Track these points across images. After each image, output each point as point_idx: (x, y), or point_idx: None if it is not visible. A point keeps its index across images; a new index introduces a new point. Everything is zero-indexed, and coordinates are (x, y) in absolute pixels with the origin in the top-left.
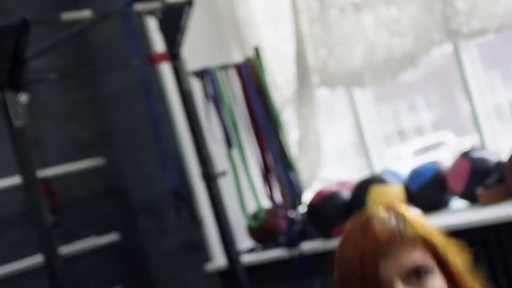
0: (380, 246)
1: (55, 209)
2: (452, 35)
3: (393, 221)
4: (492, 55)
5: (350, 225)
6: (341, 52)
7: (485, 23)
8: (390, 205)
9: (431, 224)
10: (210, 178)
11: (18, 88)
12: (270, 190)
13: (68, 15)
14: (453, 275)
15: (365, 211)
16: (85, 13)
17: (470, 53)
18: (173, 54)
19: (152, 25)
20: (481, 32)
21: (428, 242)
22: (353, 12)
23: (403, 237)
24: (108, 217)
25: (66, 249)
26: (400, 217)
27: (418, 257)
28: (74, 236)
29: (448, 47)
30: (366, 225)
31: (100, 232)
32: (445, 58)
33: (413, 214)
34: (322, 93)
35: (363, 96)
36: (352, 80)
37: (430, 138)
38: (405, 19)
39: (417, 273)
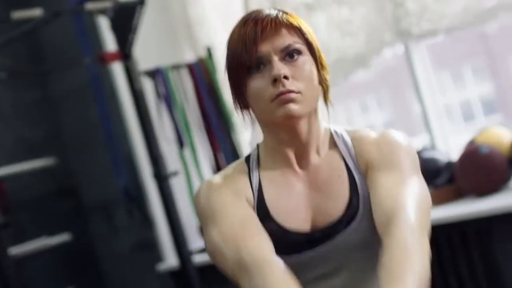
0: (258, 29)
1: (4, 209)
2: (403, 35)
3: (272, 12)
4: (442, 56)
5: (237, 21)
6: None
7: (435, 24)
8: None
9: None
10: (162, 178)
11: None
12: None
13: (19, 14)
14: (322, 65)
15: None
16: (36, 12)
17: (420, 54)
18: (125, 54)
19: (104, 25)
20: (431, 33)
21: (301, 30)
22: (305, 13)
23: (278, 22)
24: (59, 217)
25: (16, 250)
26: (280, 11)
27: (291, 39)
28: (25, 237)
29: (399, 48)
30: (248, 17)
31: (51, 232)
32: (396, 59)
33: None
34: None
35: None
36: None
37: None
38: (356, 19)
39: (291, 54)
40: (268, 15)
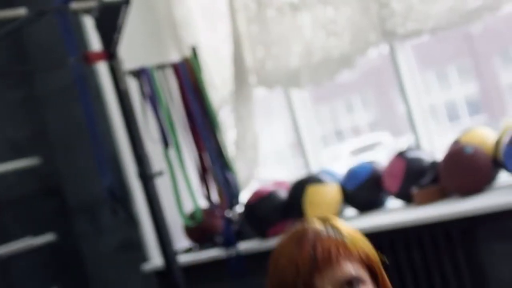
0: (315, 258)
1: None
2: (388, 36)
3: (329, 233)
4: (427, 56)
5: (285, 236)
6: (278, 52)
7: (420, 25)
8: (325, 217)
9: (365, 239)
10: (146, 177)
11: None
12: (207, 190)
13: (3, 13)
14: (383, 284)
15: (301, 223)
16: (20, 11)
17: (405, 54)
18: (110, 53)
19: (89, 24)
20: (416, 33)
21: (362, 254)
22: (290, 13)
23: (338, 250)
24: (44, 217)
25: (1, 250)
26: (335, 228)
27: (353, 268)
28: (9, 237)
29: (384, 48)
30: (302, 236)
31: (36, 232)
32: (381, 59)
33: (348, 227)
34: (259, 93)
35: (301, 96)
36: (289, 80)
37: (367, 138)
38: (341, 19)
39: (350, 285)
40: (327, 237)
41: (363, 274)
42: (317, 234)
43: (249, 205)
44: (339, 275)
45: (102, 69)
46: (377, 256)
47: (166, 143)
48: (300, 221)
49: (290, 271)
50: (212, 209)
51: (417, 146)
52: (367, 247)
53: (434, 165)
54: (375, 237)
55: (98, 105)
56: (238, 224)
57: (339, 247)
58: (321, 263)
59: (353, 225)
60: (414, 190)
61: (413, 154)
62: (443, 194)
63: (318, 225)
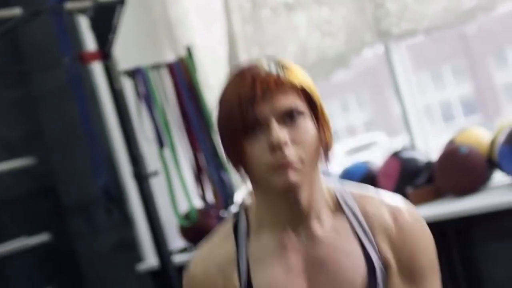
0: (257, 89)
1: None
2: (383, 36)
3: (271, 68)
4: (422, 56)
5: (231, 73)
6: (273, 52)
7: (415, 25)
8: (269, 55)
9: (307, 75)
10: (141, 177)
11: None
12: (202, 190)
13: None
14: (323, 120)
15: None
16: (15, 11)
17: (400, 54)
18: (105, 53)
19: (84, 24)
20: (411, 33)
21: (303, 89)
22: (285, 12)
23: (279, 82)
24: (39, 217)
25: None
26: (277, 63)
27: (292, 101)
28: (4, 237)
29: (379, 48)
30: (246, 71)
31: (31, 232)
32: (377, 59)
33: (290, 62)
34: None
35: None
36: None
37: (362, 138)
38: (337, 19)
39: (291, 115)
40: (267, 72)
41: (302, 106)
42: (259, 67)
43: None
44: (279, 106)
45: (97, 69)
46: (316, 91)
47: (161, 143)
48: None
49: (233, 103)
50: (207, 209)
51: (412, 146)
52: (307, 81)
53: (429, 165)
54: None
55: (93, 105)
56: None
57: (279, 80)
58: (262, 93)
59: None
60: (409, 190)
61: (408, 154)
62: (438, 194)
63: (261, 61)
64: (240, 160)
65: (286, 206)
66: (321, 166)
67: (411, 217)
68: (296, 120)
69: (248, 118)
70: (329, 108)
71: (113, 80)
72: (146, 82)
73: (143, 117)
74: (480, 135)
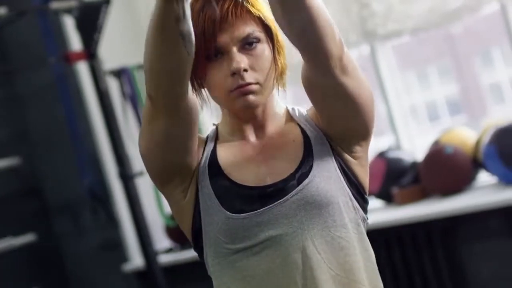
0: (215, 17)
1: None
2: (369, 36)
3: None
4: (407, 56)
5: (192, 1)
6: None
7: (400, 25)
8: None
9: (266, 5)
10: (127, 178)
11: None
12: None
13: None
14: (278, 45)
15: None
16: (0, 11)
17: (386, 55)
18: (90, 53)
19: (69, 24)
20: (396, 34)
21: (261, 17)
22: None
23: (240, 11)
24: (24, 218)
25: None
26: None
27: (251, 28)
28: None
29: (365, 49)
30: (206, 1)
31: (16, 232)
32: (362, 60)
33: None
34: None
35: (281, 97)
36: None
37: None
38: None
39: (249, 42)
40: (227, 1)
41: (260, 34)
42: None
43: None
44: (238, 33)
45: (82, 69)
46: (272, 18)
47: None
48: None
49: (198, 30)
50: None
51: (398, 146)
52: (266, 10)
53: (414, 165)
54: None
55: (78, 105)
56: None
57: (238, 7)
58: (222, 21)
59: None
60: (395, 190)
61: (393, 154)
62: (423, 194)
63: None
64: (202, 84)
65: (245, 119)
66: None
67: None
68: (254, 47)
69: (210, 46)
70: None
71: (98, 80)
72: (132, 82)
73: (129, 117)
74: (465, 135)
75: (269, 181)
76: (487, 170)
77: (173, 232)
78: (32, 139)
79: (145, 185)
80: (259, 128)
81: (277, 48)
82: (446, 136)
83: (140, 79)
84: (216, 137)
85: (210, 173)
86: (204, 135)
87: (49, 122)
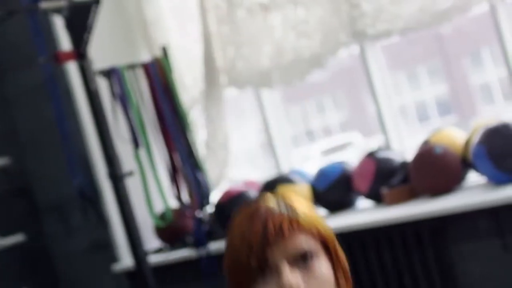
0: (267, 233)
1: None
2: (359, 36)
3: (281, 209)
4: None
5: (239, 213)
6: (249, 52)
7: (390, 25)
8: (278, 193)
9: (319, 215)
10: (117, 178)
11: None
12: (178, 190)
13: None
14: (338, 262)
15: (255, 200)
16: None
17: (375, 55)
18: (80, 53)
19: (59, 24)
20: (386, 34)
21: (315, 228)
22: (261, 13)
23: (291, 224)
24: (13, 218)
25: None
26: (287, 204)
27: (305, 242)
28: None
29: (354, 49)
30: (254, 213)
31: (5, 233)
32: (352, 60)
33: (301, 201)
34: (230, 93)
35: (271, 97)
36: (260, 80)
37: (338, 138)
38: (312, 20)
39: (304, 258)
40: (279, 213)
41: (316, 247)
42: (268, 210)
43: (219, 205)
44: (291, 249)
45: (72, 69)
46: (331, 232)
47: (136, 143)
48: (255, 199)
49: (243, 248)
50: (182, 209)
51: (387, 146)
52: (320, 223)
53: (404, 165)
54: (346, 237)
55: (68, 105)
56: (208, 224)
57: (291, 222)
58: (273, 237)
59: None
60: (384, 190)
61: (383, 154)
62: (413, 194)
63: (270, 202)
64: None
65: None
66: None
67: None
68: (309, 263)
69: (258, 262)
70: (305, 108)
71: (88, 80)
72: (122, 82)
73: (119, 117)
74: (455, 135)
75: None
76: (477, 170)
77: (163, 232)
78: (22, 139)
79: (134, 185)
80: None
81: (336, 262)
82: (435, 136)
83: (130, 79)
84: None
85: None
86: None
87: (38, 122)
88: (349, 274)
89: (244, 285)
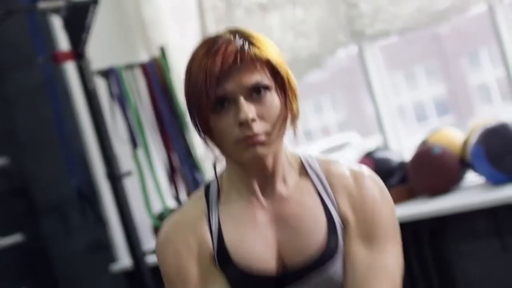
0: (223, 65)
1: None
2: (357, 36)
3: (237, 42)
4: (395, 57)
5: (197, 47)
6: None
7: (388, 25)
8: (236, 28)
9: (275, 47)
10: (115, 178)
11: None
12: (176, 190)
13: None
14: (291, 94)
15: (215, 34)
16: None
17: (374, 55)
18: (78, 53)
19: (57, 24)
20: (384, 34)
21: (270, 62)
22: (259, 13)
23: (247, 58)
24: (12, 218)
25: None
26: (245, 38)
27: (259, 76)
28: None
29: (353, 49)
30: (211, 46)
31: (4, 233)
32: (350, 60)
33: (258, 35)
34: None
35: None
36: None
37: (336, 138)
38: (310, 20)
39: (257, 90)
40: (232, 46)
41: (269, 80)
42: (225, 42)
43: None
44: (246, 82)
45: (70, 69)
46: (284, 64)
47: (134, 143)
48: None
49: (200, 78)
50: None
51: (386, 146)
52: (274, 54)
53: (402, 165)
54: None
55: (66, 105)
56: None
57: (246, 54)
58: (229, 69)
59: None
60: None
61: (381, 154)
62: (411, 194)
63: (227, 35)
64: (206, 132)
65: (252, 172)
66: (287, 135)
67: (372, 181)
68: (262, 95)
69: (216, 94)
70: (303, 108)
71: (86, 80)
72: (120, 82)
73: (117, 117)
74: (453, 135)
75: (287, 264)
76: (475, 170)
77: None
78: (20, 139)
79: (133, 185)
80: (269, 184)
81: (289, 94)
82: (433, 136)
83: (128, 79)
84: (218, 195)
85: (219, 262)
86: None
87: (37, 122)
88: (298, 101)
89: (203, 116)
